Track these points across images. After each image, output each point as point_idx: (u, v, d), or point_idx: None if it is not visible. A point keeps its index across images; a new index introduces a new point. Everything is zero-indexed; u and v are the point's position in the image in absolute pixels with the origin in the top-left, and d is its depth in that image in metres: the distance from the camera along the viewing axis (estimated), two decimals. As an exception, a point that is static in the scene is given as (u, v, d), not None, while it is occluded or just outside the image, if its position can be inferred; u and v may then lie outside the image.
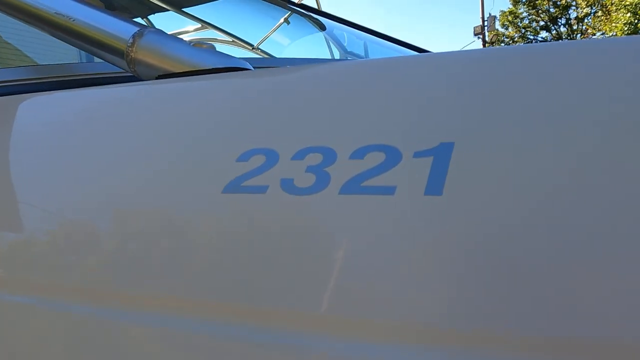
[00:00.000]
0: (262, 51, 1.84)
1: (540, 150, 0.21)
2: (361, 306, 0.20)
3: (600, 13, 17.28)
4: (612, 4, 15.29)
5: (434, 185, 0.20)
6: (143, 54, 0.36)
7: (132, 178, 0.29)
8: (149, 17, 2.13)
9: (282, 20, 1.80)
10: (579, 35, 19.36)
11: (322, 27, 1.58)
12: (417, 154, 0.22)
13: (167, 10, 1.86)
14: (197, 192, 0.26)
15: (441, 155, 0.21)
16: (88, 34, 0.39)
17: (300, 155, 0.24)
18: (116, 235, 0.28)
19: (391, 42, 1.34)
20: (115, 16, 0.40)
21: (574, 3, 19.01)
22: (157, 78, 0.36)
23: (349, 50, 1.42)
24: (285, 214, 0.23)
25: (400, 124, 0.24)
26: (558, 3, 20.44)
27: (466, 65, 0.29)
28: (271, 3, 1.74)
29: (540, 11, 21.08)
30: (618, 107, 0.21)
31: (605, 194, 0.18)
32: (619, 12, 14.78)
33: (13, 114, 0.41)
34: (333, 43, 1.49)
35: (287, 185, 0.23)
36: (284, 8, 1.71)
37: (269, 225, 0.24)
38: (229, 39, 1.86)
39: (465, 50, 0.32)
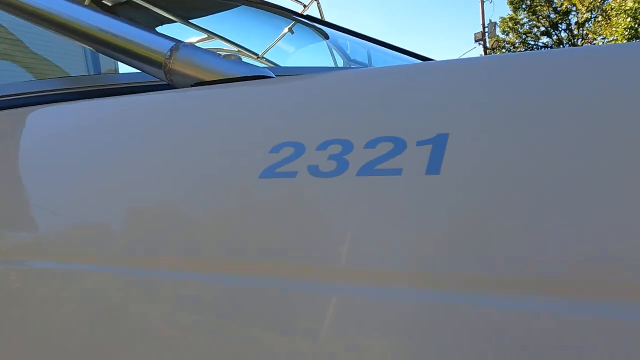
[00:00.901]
0: (267, 60, 1.90)
1: (515, 137, 0.26)
2: (376, 257, 0.26)
3: (600, 18, 17.38)
4: (611, 9, 15.40)
5: (433, 167, 0.26)
6: (179, 64, 0.42)
7: (180, 168, 0.35)
8: (156, 29, 2.20)
9: (286, 30, 1.86)
10: (579, 40, 19.50)
11: (325, 37, 1.64)
12: (419, 143, 0.27)
13: (175, 22, 1.93)
14: (237, 179, 0.32)
15: (438, 143, 0.27)
16: (129, 48, 0.45)
17: (323, 146, 0.30)
18: (170, 209, 0.34)
19: (393, 50, 1.41)
20: (152, 32, 0.46)
21: (574, 8, 19.18)
22: (192, 86, 0.42)
23: (352, 58, 1.48)
24: (312, 193, 0.29)
25: (404, 120, 0.30)
26: (558, 9, 20.63)
27: (459, 71, 0.35)
28: (275, 14, 1.80)
29: (540, 17, 21.27)
30: (587, 93, 0.27)
31: (573, 163, 0.24)
32: (619, 16, 14.85)
33: (64, 120, 0.46)
34: (337, 51, 1.55)
35: (314, 170, 0.29)
36: (288, 18, 1.78)
37: (299, 201, 0.29)
38: (235, 48, 1.92)
39: (460, 59, 0.38)
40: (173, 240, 0.31)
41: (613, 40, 15.43)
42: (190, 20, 1.94)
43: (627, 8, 14.25)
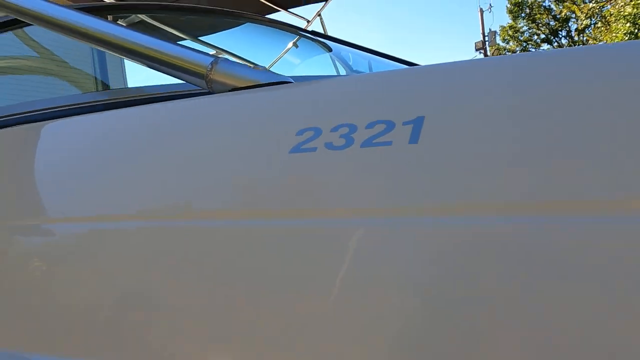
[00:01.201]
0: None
1: (472, 115, 0.38)
2: (376, 197, 0.37)
3: (600, 24, 17.50)
4: (610, 15, 15.53)
5: (414, 138, 0.37)
6: (218, 75, 0.54)
7: (228, 149, 0.47)
8: None
9: (290, 44, 2.00)
10: (578, 46, 19.71)
11: (328, 49, 1.77)
12: (404, 123, 0.39)
13: (185, 39, 2.06)
14: (272, 155, 0.43)
15: (417, 123, 0.38)
16: (175, 62, 0.58)
17: (335, 129, 0.41)
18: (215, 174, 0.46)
19: (391, 60, 1.54)
20: (193, 50, 0.59)
21: (573, 15, 19.44)
22: (229, 91, 0.54)
23: (354, 68, 1.62)
24: (328, 162, 0.40)
25: (393, 108, 0.41)
26: (557, 16, 20.91)
27: (436, 73, 0.46)
28: (279, 30, 1.93)
29: (540, 24, 21.55)
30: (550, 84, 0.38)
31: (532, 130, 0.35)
32: (618, 22, 14.93)
33: (124, 123, 0.59)
34: (340, 63, 1.68)
35: (329, 146, 0.40)
36: (293, 33, 1.91)
37: (319, 168, 0.41)
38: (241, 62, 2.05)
39: (436, 63, 0.50)
40: (233, 196, 0.43)
41: (613, 45, 15.45)
42: (198, 37, 2.09)
43: (626, 14, 14.31)
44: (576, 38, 20.12)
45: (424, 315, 0.33)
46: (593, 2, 17.72)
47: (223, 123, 0.50)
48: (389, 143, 0.38)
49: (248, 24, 1.75)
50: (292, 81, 0.54)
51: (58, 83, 1.18)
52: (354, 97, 0.45)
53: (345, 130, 0.40)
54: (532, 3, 21.39)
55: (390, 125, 0.39)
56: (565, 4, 19.74)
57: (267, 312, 0.38)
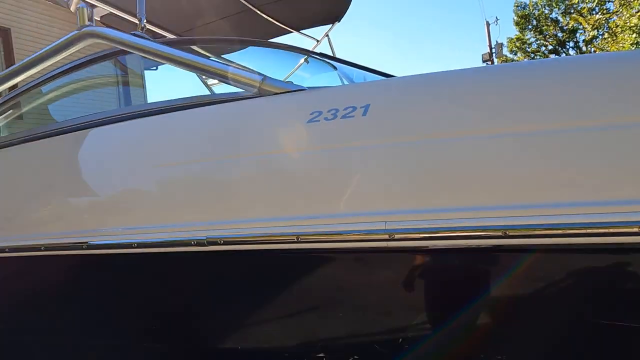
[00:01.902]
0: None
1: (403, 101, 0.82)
2: (347, 135, 0.81)
3: (607, 35, 17.77)
4: (617, 26, 15.81)
5: (364, 114, 0.81)
6: (265, 85, 0.98)
7: (270, 124, 0.92)
8: None
9: (302, 60, 2.47)
10: (588, 57, 19.92)
11: (334, 68, 2.24)
12: (361, 107, 0.83)
13: (209, 57, 2.56)
14: (296, 121, 0.88)
15: (366, 107, 0.82)
16: (231, 76, 1.03)
17: (328, 111, 0.85)
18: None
19: (371, 72, 2.00)
20: (245, 68, 1.05)
21: (580, 27, 19.79)
22: (265, 94, 0.98)
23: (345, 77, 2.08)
24: (328, 128, 0.84)
25: (356, 100, 0.86)
26: (565, 27, 21.30)
27: (384, 83, 0.90)
28: (292, 51, 2.40)
29: (547, 36, 21.94)
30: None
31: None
32: (624, 33, 15.15)
33: (197, 119, 1.03)
34: (344, 78, 2.15)
35: (325, 118, 0.84)
36: (302, 53, 2.38)
37: (320, 128, 0.85)
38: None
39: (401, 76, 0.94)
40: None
41: (620, 56, 15.55)
42: (221, 56, 2.60)
43: (632, 24, 14.50)
44: (584, 49, 20.43)
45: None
46: (599, 13, 18.01)
47: (271, 111, 0.94)
48: (353, 116, 0.81)
49: (273, 49, 2.22)
50: (306, 89, 0.98)
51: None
52: (337, 95, 0.89)
53: (333, 111, 0.84)
54: (538, 15, 21.87)
55: (354, 108, 0.82)
56: (572, 15, 20.13)
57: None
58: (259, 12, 2.73)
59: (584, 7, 19.01)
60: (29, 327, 1.19)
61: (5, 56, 9.46)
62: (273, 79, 0.99)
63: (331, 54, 3.05)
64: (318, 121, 0.84)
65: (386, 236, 0.67)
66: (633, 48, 14.56)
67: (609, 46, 16.82)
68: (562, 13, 21.47)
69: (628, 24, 14.89)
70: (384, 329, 0.79)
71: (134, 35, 1.18)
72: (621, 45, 15.32)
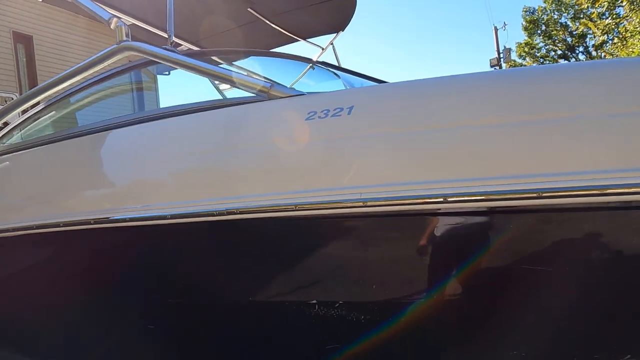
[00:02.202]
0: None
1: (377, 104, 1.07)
2: (335, 127, 1.06)
3: (616, 40, 17.73)
4: (626, 31, 15.79)
5: (350, 113, 1.06)
6: (274, 90, 1.22)
7: (280, 120, 1.17)
8: None
9: (307, 67, 2.74)
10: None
11: (337, 76, 2.51)
12: (347, 108, 1.08)
13: (227, 67, 2.86)
14: (296, 119, 1.12)
15: (351, 107, 1.06)
16: (247, 84, 1.28)
17: (321, 110, 1.09)
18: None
19: (363, 77, 2.26)
20: (259, 76, 1.29)
21: (590, 32, 19.83)
22: (273, 98, 1.22)
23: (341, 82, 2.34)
24: (321, 124, 1.09)
25: (343, 103, 1.10)
26: (574, 32, 21.34)
27: (369, 90, 1.15)
28: (297, 60, 2.66)
29: (557, 41, 21.99)
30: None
31: None
32: (634, 37, 15.11)
33: (212, 120, 1.28)
34: (346, 84, 2.40)
35: (319, 117, 1.08)
36: (306, 62, 2.65)
37: (315, 125, 1.10)
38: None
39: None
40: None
41: (630, 61, 15.44)
42: (233, 63, 2.89)
43: None
44: (594, 53, 20.43)
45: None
46: (609, 18, 17.99)
47: (277, 111, 1.18)
48: (340, 115, 1.05)
49: (283, 59, 2.49)
50: (305, 94, 1.22)
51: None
52: (328, 99, 1.13)
53: (325, 111, 1.08)
54: (547, 20, 21.96)
55: (341, 109, 1.06)
56: (582, 20, 20.18)
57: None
58: (268, 22, 3.00)
59: (594, 12, 19.02)
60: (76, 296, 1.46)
61: (27, 62, 9.97)
62: (279, 84, 1.23)
63: (335, 61, 3.30)
64: (313, 119, 1.08)
65: (361, 203, 0.92)
66: (643, 53, 14.50)
67: (618, 51, 16.80)
68: (571, 18, 21.51)
69: (638, 28, 14.83)
70: (363, 277, 1.02)
71: (165, 49, 1.44)
72: (631, 50, 15.27)
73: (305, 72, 2.71)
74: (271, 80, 1.63)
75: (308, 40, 3.50)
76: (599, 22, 18.69)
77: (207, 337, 1.28)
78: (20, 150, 1.75)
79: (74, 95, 1.94)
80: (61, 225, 1.37)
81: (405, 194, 0.88)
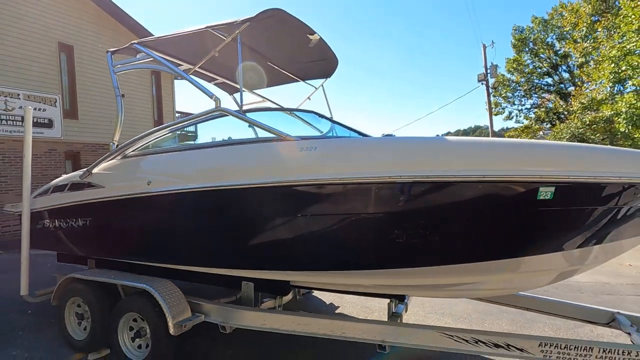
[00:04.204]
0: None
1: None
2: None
3: (592, 63, 19.44)
4: (598, 56, 17.47)
5: (315, 150, 2.87)
6: (285, 137, 2.99)
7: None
8: (234, 95, 5.20)
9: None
10: (577, 79, 21.75)
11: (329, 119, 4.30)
12: (315, 148, 2.89)
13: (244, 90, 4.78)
14: (292, 149, 2.91)
15: (315, 147, 2.86)
16: (279, 135, 3.08)
17: (307, 148, 2.88)
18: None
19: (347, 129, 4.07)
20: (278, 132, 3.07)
21: (571, 52, 21.53)
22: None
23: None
24: (305, 154, 2.88)
25: (314, 146, 2.90)
26: (559, 52, 23.13)
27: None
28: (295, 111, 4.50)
29: (542, 59, 23.76)
30: None
31: None
32: (604, 62, 16.64)
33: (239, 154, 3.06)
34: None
35: (305, 150, 2.87)
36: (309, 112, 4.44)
37: (303, 154, 2.90)
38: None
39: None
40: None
41: (601, 83, 17.13)
42: (253, 90, 4.86)
43: (612, 55, 15.88)
44: (576, 71, 22.16)
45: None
46: (590, 41, 19.66)
47: (287, 147, 2.94)
48: (312, 150, 2.82)
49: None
50: (299, 139, 2.97)
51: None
52: (308, 142, 2.87)
53: (307, 148, 2.84)
54: (535, 39, 23.73)
55: (314, 148, 2.83)
56: (568, 40, 21.85)
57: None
58: (279, 69, 4.78)
59: (575, 35, 20.74)
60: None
61: (69, 71, 11.49)
62: (288, 135, 2.98)
63: (325, 100, 5.01)
64: (302, 151, 2.83)
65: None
66: (612, 77, 16.01)
67: (593, 74, 18.42)
68: (557, 38, 23.33)
69: (609, 53, 16.30)
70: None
71: (237, 111, 3.22)
72: (602, 73, 16.73)
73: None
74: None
75: (306, 81, 5.26)
76: (579, 44, 20.46)
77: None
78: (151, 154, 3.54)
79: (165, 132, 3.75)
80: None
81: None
